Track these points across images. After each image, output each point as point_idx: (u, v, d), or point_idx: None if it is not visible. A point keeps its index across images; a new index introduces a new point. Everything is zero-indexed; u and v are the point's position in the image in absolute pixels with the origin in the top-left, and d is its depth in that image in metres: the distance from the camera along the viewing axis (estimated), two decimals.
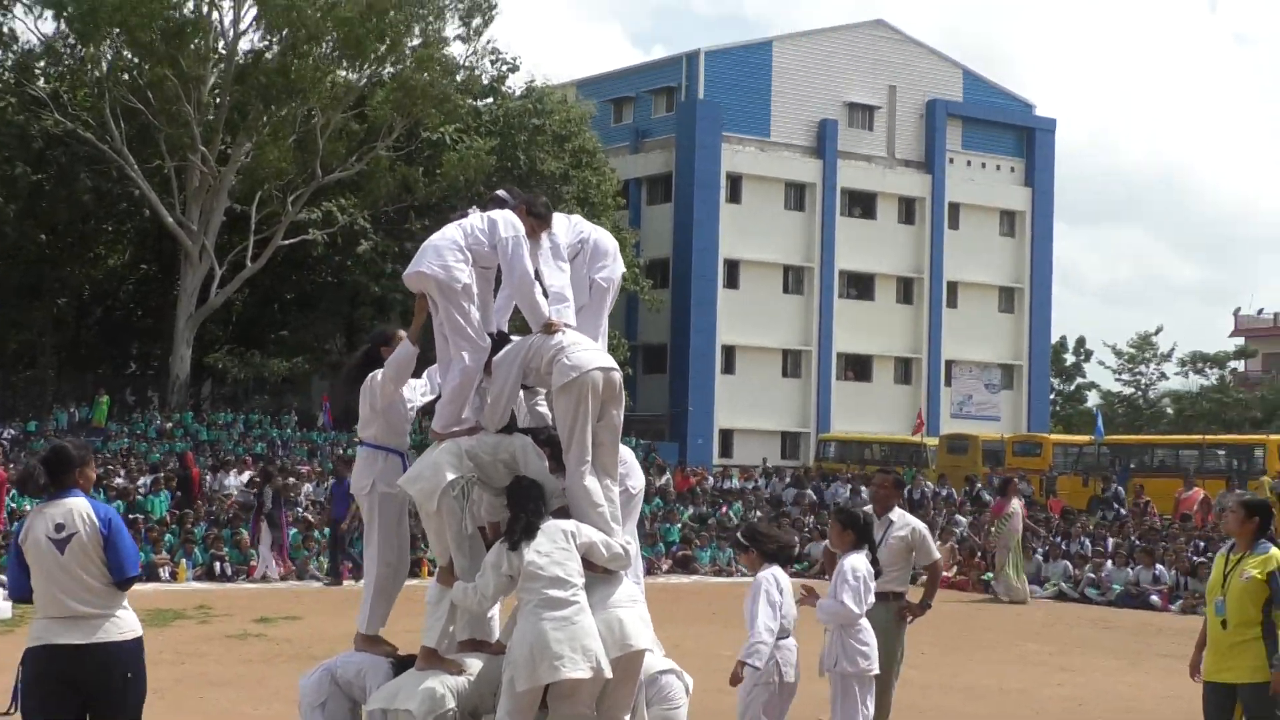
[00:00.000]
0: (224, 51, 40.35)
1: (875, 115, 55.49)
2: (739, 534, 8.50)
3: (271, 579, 21.72)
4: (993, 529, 22.52)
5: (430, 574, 12.56)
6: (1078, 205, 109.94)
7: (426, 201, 42.97)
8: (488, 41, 43.50)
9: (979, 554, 23.96)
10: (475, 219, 7.65)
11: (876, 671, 8.68)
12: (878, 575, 8.76)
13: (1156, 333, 68.55)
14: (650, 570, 21.39)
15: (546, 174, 43.27)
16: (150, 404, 41.87)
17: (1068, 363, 70.63)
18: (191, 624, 16.48)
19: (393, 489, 7.61)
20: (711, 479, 36.32)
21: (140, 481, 26.33)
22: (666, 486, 31.78)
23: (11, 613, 16.05)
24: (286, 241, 41.01)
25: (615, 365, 7.44)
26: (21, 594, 6.50)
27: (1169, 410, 65.96)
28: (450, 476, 7.17)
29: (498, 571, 6.94)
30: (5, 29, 40.33)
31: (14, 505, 21.37)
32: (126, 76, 39.72)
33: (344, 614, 17.01)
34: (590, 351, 7.40)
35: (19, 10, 39.74)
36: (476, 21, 41.99)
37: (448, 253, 7.44)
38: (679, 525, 27.08)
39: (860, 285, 55.42)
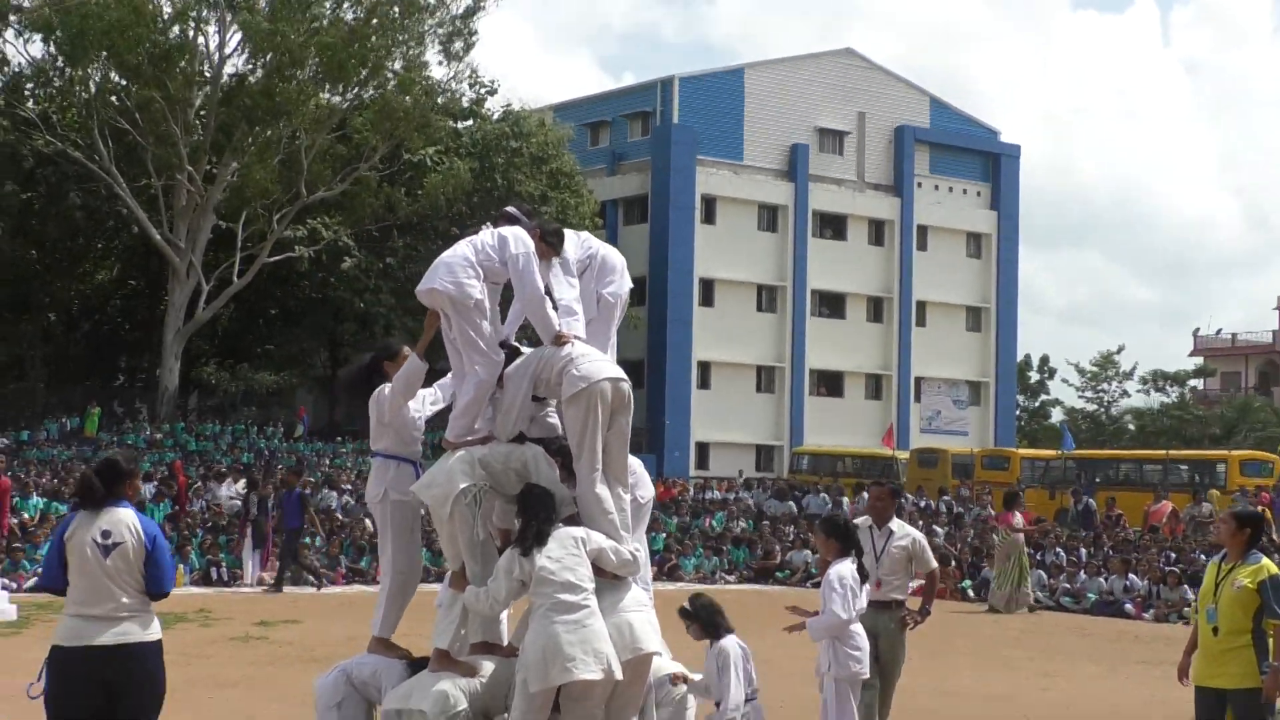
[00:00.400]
0: (210, 74, 40.92)
1: (845, 140, 56.41)
2: (685, 604, 8.25)
3: (255, 584, 22.23)
4: (996, 538, 22.95)
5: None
6: (1037, 229, 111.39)
7: (408, 220, 43.80)
8: (466, 65, 44.06)
9: (953, 562, 24.80)
10: (486, 235, 7.69)
11: (867, 675, 8.82)
12: (864, 580, 8.81)
13: (1119, 352, 69.36)
14: None
15: (525, 195, 43.65)
16: (139, 415, 42.20)
17: (1032, 380, 71.67)
18: (194, 627, 16.58)
19: (405, 497, 7.68)
20: (691, 490, 37.04)
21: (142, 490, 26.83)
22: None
23: (16, 615, 16.43)
24: (272, 258, 41.51)
25: (624, 375, 7.52)
26: (54, 585, 6.71)
27: (1131, 426, 66.95)
28: (463, 484, 7.23)
29: (510, 576, 7.01)
30: None
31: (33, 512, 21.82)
32: (115, 98, 40.14)
33: (340, 618, 17.62)
34: (599, 362, 7.47)
35: (9, 34, 40.25)
36: (458, 45, 42.66)
37: (459, 269, 7.48)
38: (664, 535, 27.78)
39: (832, 304, 56.26)
